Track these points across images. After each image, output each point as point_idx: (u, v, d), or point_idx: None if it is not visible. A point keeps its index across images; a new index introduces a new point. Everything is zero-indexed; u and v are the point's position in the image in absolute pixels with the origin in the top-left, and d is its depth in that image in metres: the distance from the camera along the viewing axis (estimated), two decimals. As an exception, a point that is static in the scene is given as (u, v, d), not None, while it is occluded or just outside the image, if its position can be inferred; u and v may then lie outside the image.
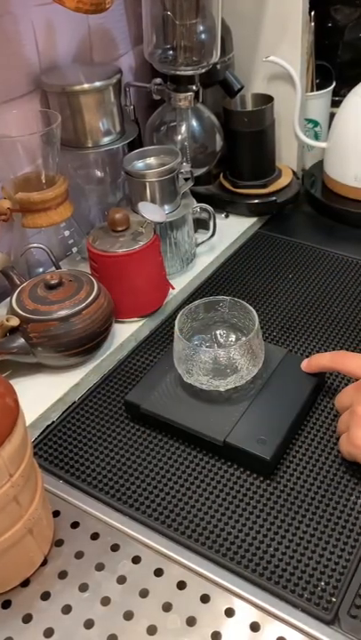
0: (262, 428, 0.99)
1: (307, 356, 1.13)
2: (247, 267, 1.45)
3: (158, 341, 1.26)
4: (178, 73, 1.38)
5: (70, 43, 1.37)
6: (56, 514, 0.95)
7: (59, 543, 0.91)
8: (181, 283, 1.38)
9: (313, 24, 1.62)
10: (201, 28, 1.35)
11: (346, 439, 0.94)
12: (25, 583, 0.87)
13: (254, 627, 0.80)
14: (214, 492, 0.96)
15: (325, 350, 1.20)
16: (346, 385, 1.09)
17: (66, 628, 0.81)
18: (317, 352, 1.19)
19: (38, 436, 1.08)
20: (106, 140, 1.37)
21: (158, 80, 1.43)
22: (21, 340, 1.11)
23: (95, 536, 0.92)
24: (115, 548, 0.90)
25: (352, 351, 1.16)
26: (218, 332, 1.11)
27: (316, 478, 0.97)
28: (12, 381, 0.95)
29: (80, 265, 1.40)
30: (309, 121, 1.74)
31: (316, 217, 1.62)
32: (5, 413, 0.76)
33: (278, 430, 0.98)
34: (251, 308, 1.06)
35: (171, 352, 1.08)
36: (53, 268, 1.28)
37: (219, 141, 1.54)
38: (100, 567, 0.88)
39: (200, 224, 1.49)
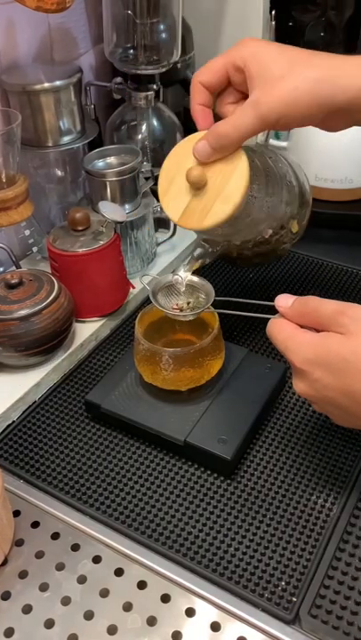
0: (223, 428, 0.99)
1: (267, 356, 1.14)
2: (208, 266, 1.45)
3: (119, 341, 1.26)
4: (138, 72, 1.39)
5: (30, 42, 1.37)
6: (16, 513, 0.95)
7: (19, 543, 0.91)
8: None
9: (274, 23, 1.62)
10: (161, 27, 1.35)
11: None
12: (-15, 583, 0.87)
13: (215, 626, 0.81)
14: (175, 492, 0.96)
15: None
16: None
17: (26, 627, 0.81)
18: (278, 352, 1.19)
19: (-2, 436, 1.08)
20: (66, 139, 1.36)
21: (119, 79, 1.43)
22: (-19, 340, 1.11)
23: (56, 536, 0.92)
24: (75, 547, 0.90)
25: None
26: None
27: (277, 478, 0.98)
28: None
29: (40, 264, 1.39)
30: (270, 120, 1.75)
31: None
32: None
33: (239, 430, 0.99)
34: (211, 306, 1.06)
35: (131, 352, 1.08)
36: (14, 268, 1.28)
37: (179, 141, 1.54)
38: (60, 567, 0.88)
39: (160, 223, 1.49)
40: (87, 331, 1.26)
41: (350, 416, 0.81)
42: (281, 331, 0.84)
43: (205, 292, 1.05)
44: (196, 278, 1.06)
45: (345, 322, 0.78)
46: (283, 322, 0.85)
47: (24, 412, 1.11)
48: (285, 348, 0.83)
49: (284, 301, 0.85)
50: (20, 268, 1.28)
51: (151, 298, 1.03)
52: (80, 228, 1.22)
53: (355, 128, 0.91)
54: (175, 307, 1.05)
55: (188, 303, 1.06)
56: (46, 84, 1.28)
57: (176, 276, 1.05)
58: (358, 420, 0.81)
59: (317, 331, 0.82)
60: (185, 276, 1.05)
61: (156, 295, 1.05)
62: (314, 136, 1.52)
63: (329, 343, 0.79)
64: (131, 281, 1.32)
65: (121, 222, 1.24)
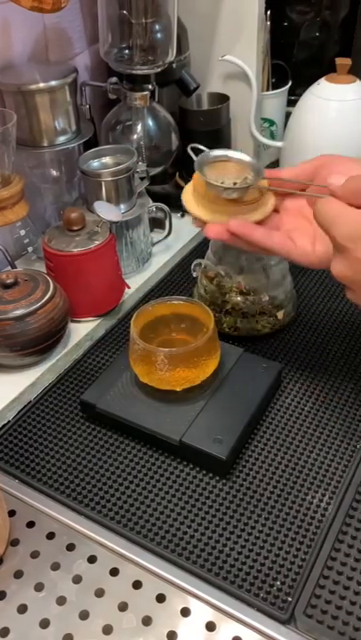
0: (218, 428, 0.99)
1: (263, 356, 1.14)
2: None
3: (114, 341, 1.26)
4: (134, 72, 1.38)
5: (26, 42, 1.37)
6: (12, 513, 0.95)
7: (14, 543, 0.91)
8: (137, 282, 1.38)
9: (269, 23, 1.63)
10: (157, 27, 1.35)
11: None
12: (-20, 583, 0.86)
13: (210, 626, 0.81)
14: (170, 492, 0.96)
15: (281, 348, 1.21)
16: (302, 384, 1.10)
17: (21, 627, 0.81)
18: (273, 352, 1.19)
19: (-6, 436, 1.08)
20: (61, 139, 1.36)
21: (114, 79, 1.43)
22: (-24, 340, 1.11)
23: (51, 535, 0.92)
24: (70, 547, 0.90)
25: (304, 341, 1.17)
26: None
27: (272, 478, 0.98)
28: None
29: (36, 264, 1.39)
30: (265, 120, 1.75)
31: (272, 216, 1.63)
32: None
33: (234, 430, 0.99)
34: (206, 307, 1.06)
35: (126, 352, 1.08)
36: (9, 268, 1.28)
37: (175, 141, 1.54)
38: (55, 567, 0.88)
39: (156, 223, 1.50)
40: (82, 331, 1.26)
41: None
42: (331, 208, 0.79)
43: (255, 171, 0.99)
44: (246, 158, 1.01)
45: None
46: (333, 200, 0.79)
47: (19, 411, 1.11)
48: (332, 223, 0.78)
49: (336, 179, 0.79)
50: (16, 267, 1.28)
51: (196, 169, 0.98)
52: (75, 228, 1.22)
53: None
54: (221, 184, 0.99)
55: (235, 183, 1.00)
56: (41, 84, 1.28)
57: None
58: None
59: None
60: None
61: (203, 167, 0.99)
62: (309, 136, 1.51)
63: None
64: (126, 281, 1.32)
65: (116, 222, 1.24)
